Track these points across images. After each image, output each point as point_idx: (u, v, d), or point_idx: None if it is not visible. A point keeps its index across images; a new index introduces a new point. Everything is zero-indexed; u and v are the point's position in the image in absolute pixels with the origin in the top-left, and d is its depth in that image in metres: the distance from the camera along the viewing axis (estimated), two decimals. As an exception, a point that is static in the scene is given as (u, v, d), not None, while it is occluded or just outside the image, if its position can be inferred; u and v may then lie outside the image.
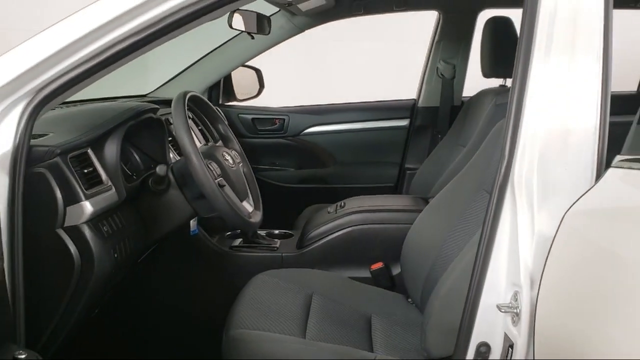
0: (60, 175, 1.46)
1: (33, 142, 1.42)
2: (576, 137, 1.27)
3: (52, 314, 1.50)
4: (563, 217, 1.20)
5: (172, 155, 2.13)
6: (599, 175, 1.26)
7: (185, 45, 1.93)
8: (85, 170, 1.56)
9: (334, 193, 2.95)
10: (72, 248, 1.48)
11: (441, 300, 1.55)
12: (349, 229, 2.34)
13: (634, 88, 3.17)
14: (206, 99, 2.21)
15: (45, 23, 1.39)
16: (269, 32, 2.66)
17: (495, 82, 2.74)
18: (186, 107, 1.85)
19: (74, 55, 1.36)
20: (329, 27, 3.05)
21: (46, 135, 1.56)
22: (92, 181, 1.57)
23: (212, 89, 3.12)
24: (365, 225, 2.35)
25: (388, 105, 3.34)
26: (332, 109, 3.33)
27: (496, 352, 1.33)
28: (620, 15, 2.74)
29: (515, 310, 1.26)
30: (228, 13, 2.38)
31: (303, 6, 2.70)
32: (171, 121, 2.23)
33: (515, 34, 1.30)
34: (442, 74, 3.17)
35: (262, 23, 2.58)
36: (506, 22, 2.56)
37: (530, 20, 1.28)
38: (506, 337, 1.31)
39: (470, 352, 1.34)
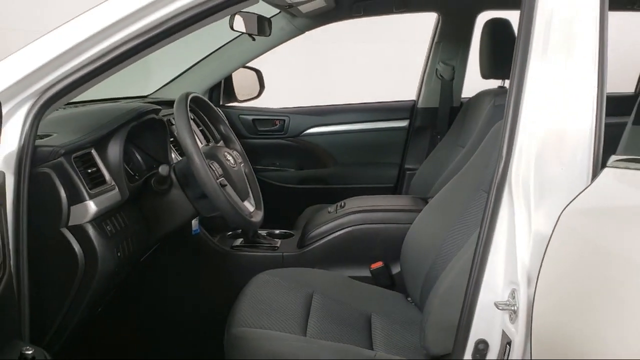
0: (64, 175, 1.48)
1: (38, 142, 1.44)
2: (572, 138, 1.29)
3: (56, 311, 1.52)
4: (559, 216, 1.22)
5: (174, 156, 2.14)
6: (594, 175, 1.27)
7: (186, 46, 1.95)
8: (89, 170, 1.58)
9: (334, 193, 2.95)
10: (76, 247, 1.49)
11: (440, 298, 1.56)
12: (349, 228, 2.36)
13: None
14: (208, 100, 2.23)
15: (45, 23, 1.41)
16: (270, 34, 2.68)
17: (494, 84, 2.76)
18: (188, 108, 1.87)
19: (78, 57, 1.39)
20: (329, 29, 3.06)
21: (50, 135, 1.58)
22: (95, 181, 1.58)
23: (213, 90, 3.13)
24: (365, 225, 2.36)
25: (388, 106, 3.35)
26: (332, 110, 3.34)
27: (494, 349, 1.34)
28: (621, 17, 2.78)
29: (512, 308, 1.27)
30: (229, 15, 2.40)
31: (303, 8, 2.70)
32: (173, 122, 2.26)
33: (514, 36, 1.32)
34: (441, 75, 3.18)
35: (262, 25, 2.59)
36: (505, 24, 2.58)
37: (527, 23, 1.30)
38: (504, 335, 1.32)
39: (469, 349, 1.36)
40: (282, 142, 3.27)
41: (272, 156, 3.27)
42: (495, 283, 1.32)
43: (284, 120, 3.26)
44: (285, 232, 2.64)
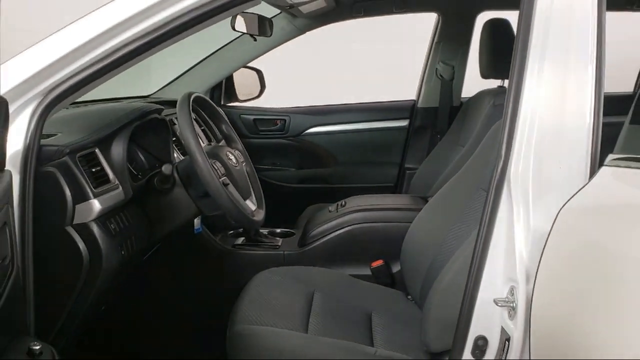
0: (69, 174, 1.49)
1: (43, 141, 1.45)
2: (570, 137, 1.30)
3: (61, 309, 1.53)
4: (558, 214, 1.23)
5: (176, 155, 2.16)
6: (592, 174, 1.29)
7: (187, 46, 1.96)
8: (93, 170, 1.59)
9: (334, 193, 2.96)
10: (81, 245, 1.51)
11: (440, 295, 1.57)
12: (350, 227, 2.37)
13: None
14: (210, 100, 2.25)
15: (46, 23, 1.42)
16: (271, 34, 2.69)
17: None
18: (191, 108, 1.89)
19: (83, 57, 1.40)
20: (329, 29, 3.07)
21: (55, 135, 1.59)
22: (99, 180, 1.60)
23: (214, 90, 3.14)
24: (366, 223, 2.38)
25: (388, 106, 3.36)
26: (333, 109, 3.35)
27: (493, 345, 1.36)
28: (622, 16, 2.79)
29: (511, 305, 1.29)
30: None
31: (304, 8, 2.72)
32: (175, 121, 2.27)
33: (513, 36, 1.33)
34: (441, 75, 3.19)
35: (263, 25, 2.61)
36: (504, 24, 2.59)
37: (526, 23, 1.31)
38: (503, 331, 1.33)
39: (468, 346, 1.37)
40: (283, 141, 3.28)
41: (273, 156, 3.28)
42: (494, 280, 1.34)
43: (285, 120, 3.27)
44: (286, 231, 2.65)
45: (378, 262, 2.31)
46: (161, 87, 3.09)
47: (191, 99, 1.92)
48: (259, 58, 3.09)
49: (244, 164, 2.14)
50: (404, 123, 3.29)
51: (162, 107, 2.12)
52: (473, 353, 1.38)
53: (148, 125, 1.92)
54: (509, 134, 1.31)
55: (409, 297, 2.04)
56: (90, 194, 1.53)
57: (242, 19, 2.48)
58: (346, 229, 2.37)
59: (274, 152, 3.28)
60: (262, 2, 1.55)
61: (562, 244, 1.22)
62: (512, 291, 1.30)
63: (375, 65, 4.62)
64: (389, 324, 1.83)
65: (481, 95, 2.78)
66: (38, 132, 1.39)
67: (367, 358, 1.60)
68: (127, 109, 1.91)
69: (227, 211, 1.86)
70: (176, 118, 2.24)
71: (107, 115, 1.82)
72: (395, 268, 2.29)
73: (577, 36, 1.31)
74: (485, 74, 2.67)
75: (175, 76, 3.11)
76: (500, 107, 1.37)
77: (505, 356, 1.32)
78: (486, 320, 1.36)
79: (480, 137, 1.98)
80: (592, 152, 1.30)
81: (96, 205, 1.54)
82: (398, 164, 3.29)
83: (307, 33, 3.05)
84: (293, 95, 3.49)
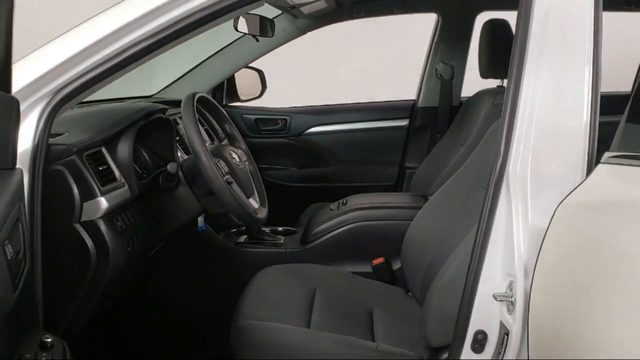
0: (77, 172, 1.52)
1: (51, 140, 1.47)
2: (568, 135, 1.32)
3: (69, 304, 1.56)
4: (555, 211, 1.25)
5: (180, 154, 2.18)
6: (589, 171, 1.31)
7: (188, 47, 1.99)
8: (100, 168, 1.62)
9: (335, 192, 2.95)
10: (89, 242, 1.53)
11: (440, 291, 1.59)
12: (351, 225, 2.39)
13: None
14: (214, 100, 2.27)
15: (54, 24, 1.44)
16: (273, 35, 2.71)
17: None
18: (195, 108, 1.91)
19: (90, 58, 1.42)
20: (330, 29, 3.09)
21: (62, 134, 1.61)
22: (106, 178, 1.62)
23: (216, 90, 3.15)
24: (367, 221, 2.40)
25: (388, 105, 3.37)
26: (334, 109, 3.36)
27: (492, 339, 1.38)
28: (623, 16, 2.80)
29: (510, 299, 1.30)
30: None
31: (305, 9, 2.73)
32: (179, 121, 2.30)
33: (512, 36, 1.36)
34: (441, 75, 3.20)
35: (265, 26, 2.63)
36: (503, 24, 2.61)
37: (524, 23, 1.33)
38: (502, 325, 1.35)
39: (468, 340, 1.39)
40: (284, 141, 3.29)
41: (275, 155, 3.29)
42: (493, 275, 1.36)
43: (286, 120, 3.28)
44: (288, 229, 2.67)
45: (379, 260, 2.33)
46: (164, 87, 3.10)
47: (195, 99, 1.94)
48: (259, 58, 3.10)
49: (247, 163, 2.16)
50: (404, 122, 3.30)
51: (167, 106, 2.15)
52: (473, 347, 1.39)
53: (152, 124, 1.95)
54: (507, 133, 1.33)
55: (410, 293, 2.06)
56: (98, 192, 1.55)
57: (245, 20, 2.50)
58: (347, 227, 2.39)
59: (275, 151, 3.29)
60: (264, 3, 1.57)
61: (559, 239, 1.24)
62: (510, 286, 1.31)
63: (375, 65, 4.64)
64: (389, 320, 1.85)
65: (480, 94, 2.79)
66: (47, 131, 1.41)
67: (368, 352, 1.62)
68: (132, 108, 1.94)
69: (231, 209, 1.89)
70: (180, 117, 2.27)
71: (113, 115, 1.84)
72: (396, 265, 2.31)
73: (574, 36, 1.32)
74: (484, 74, 2.68)
75: (177, 76, 3.12)
76: (500, 106, 1.39)
77: (504, 350, 1.34)
78: (485, 315, 1.37)
79: (480, 136, 1.99)
80: (589, 150, 1.32)
81: (103, 203, 1.56)
82: (398, 163, 3.30)
83: (308, 33, 3.07)
84: (294, 95, 3.51)
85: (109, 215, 1.59)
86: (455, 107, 3.18)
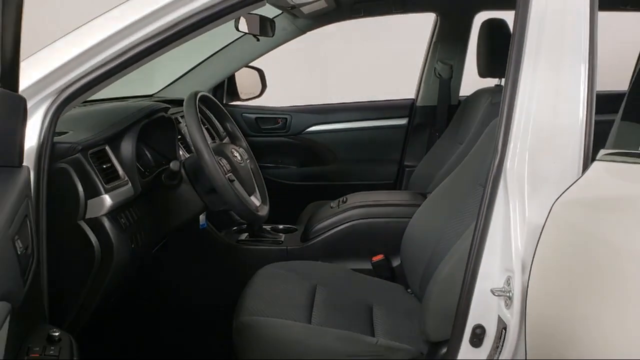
0: (81, 170, 1.53)
1: (56, 139, 1.49)
2: (564, 133, 1.34)
3: (74, 299, 1.57)
4: (552, 207, 1.27)
5: (182, 153, 2.20)
6: (585, 168, 1.33)
7: (188, 46, 2.01)
8: (104, 166, 1.64)
9: (335, 190, 2.95)
10: (93, 238, 1.55)
11: (439, 287, 1.60)
12: (351, 223, 2.41)
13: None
14: (215, 99, 2.29)
15: (59, 24, 1.46)
16: (273, 35, 2.73)
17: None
18: (197, 107, 1.93)
19: (95, 57, 1.43)
20: (329, 29, 3.11)
21: (66, 133, 1.63)
22: (109, 176, 1.64)
23: (217, 89, 3.17)
24: (367, 219, 2.42)
25: (387, 104, 3.38)
26: (333, 108, 3.37)
27: (491, 333, 1.39)
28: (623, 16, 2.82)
29: (508, 294, 1.32)
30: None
31: (305, 9, 2.74)
32: (180, 120, 2.32)
33: (510, 36, 1.38)
34: (439, 74, 3.22)
35: (265, 26, 2.65)
36: (501, 24, 2.61)
37: (521, 24, 1.35)
38: (500, 320, 1.37)
39: (467, 335, 1.41)
40: (284, 140, 3.31)
41: (275, 154, 3.31)
42: (491, 271, 1.37)
43: (286, 119, 3.30)
44: (289, 227, 2.69)
45: (378, 257, 2.35)
46: (164, 86, 3.11)
47: (198, 98, 1.96)
48: (259, 58, 3.11)
49: (248, 161, 2.18)
50: (403, 121, 3.31)
51: (169, 105, 2.16)
52: (471, 342, 1.41)
53: (155, 123, 1.96)
54: (505, 131, 1.35)
55: (409, 290, 2.07)
56: (102, 190, 1.57)
57: (245, 19, 2.51)
58: (347, 224, 2.41)
59: (275, 150, 3.31)
60: (266, 3, 1.59)
61: (556, 235, 1.25)
62: (508, 281, 1.33)
63: (375, 64, 4.65)
64: (389, 315, 1.86)
65: (479, 93, 2.81)
66: (52, 129, 1.42)
67: (368, 347, 1.64)
68: (135, 107, 1.96)
69: (232, 206, 1.91)
70: (181, 116, 2.29)
71: (116, 114, 1.86)
72: (395, 262, 2.33)
73: (571, 36, 1.34)
74: (483, 73, 2.69)
75: (177, 76, 3.13)
76: (498, 105, 1.41)
77: (502, 344, 1.35)
78: (484, 309, 1.39)
79: (478, 135, 2.01)
80: (584, 147, 1.34)
81: (107, 200, 1.58)
82: (397, 162, 3.31)
83: (308, 33, 3.08)
84: (294, 94, 3.53)
85: (113, 213, 1.61)
86: (454, 106, 3.19)
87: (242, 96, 3.25)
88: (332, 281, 2.05)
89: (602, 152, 1.33)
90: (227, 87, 3.23)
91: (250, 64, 3.16)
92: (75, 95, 1.45)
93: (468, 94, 3.00)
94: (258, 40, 2.78)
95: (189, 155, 2.18)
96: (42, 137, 1.41)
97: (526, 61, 1.35)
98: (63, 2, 3.75)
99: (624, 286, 1.07)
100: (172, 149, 2.06)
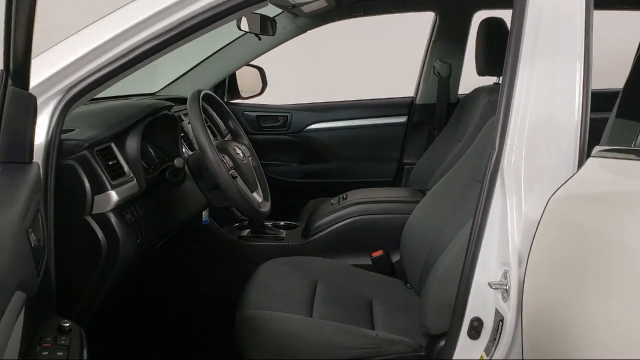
0: (88, 167, 1.56)
1: (63, 136, 1.52)
2: (560, 130, 1.37)
3: (81, 293, 1.60)
4: (548, 202, 1.30)
5: (185, 150, 2.22)
6: (580, 164, 1.35)
7: (190, 45, 2.03)
8: (110, 163, 1.66)
9: (335, 187, 2.96)
10: (100, 233, 1.57)
11: (438, 281, 1.63)
12: (351, 219, 2.43)
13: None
14: (218, 97, 2.32)
15: (66, 23, 1.48)
16: (274, 34, 2.75)
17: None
18: (201, 105, 1.96)
19: (101, 56, 1.46)
20: (329, 28, 3.12)
21: (73, 130, 1.65)
22: (115, 173, 1.66)
23: (218, 88, 3.18)
24: (367, 215, 2.43)
25: (387, 102, 3.40)
26: (333, 106, 3.39)
27: (488, 326, 1.42)
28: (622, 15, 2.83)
29: (505, 287, 1.35)
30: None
31: (306, 8, 2.77)
32: (183, 117, 2.35)
33: (508, 34, 1.41)
34: (438, 73, 3.23)
35: (266, 25, 2.67)
36: (499, 22, 2.62)
37: (518, 23, 1.38)
38: (497, 312, 1.40)
39: (465, 327, 1.44)
40: (285, 137, 3.32)
41: (276, 151, 3.32)
42: (488, 265, 1.40)
43: (287, 117, 3.31)
44: (290, 224, 2.70)
45: (378, 252, 2.36)
46: (166, 84, 3.12)
47: (201, 96, 1.99)
48: (260, 56, 3.13)
49: (250, 158, 2.20)
50: (402, 119, 3.33)
51: (172, 103, 2.19)
52: (469, 334, 1.44)
53: (159, 121, 1.99)
54: (502, 128, 1.38)
55: (408, 285, 2.10)
56: (108, 186, 1.60)
57: (247, 19, 2.53)
58: (348, 220, 2.43)
59: (276, 148, 3.32)
60: (268, 3, 1.62)
61: (552, 229, 1.28)
62: (505, 275, 1.36)
63: (375, 62, 4.67)
64: (389, 309, 1.88)
65: (477, 92, 2.83)
66: (59, 127, 1.45)
67: (368, 340, 1.66)
68: (139, 105, 1.98)
69: (235, 202, 1.93)
70: (184, 114, 2.32)
71: (121, 112, 1.88)
72: (395, 258, 2.34)
73: (567, 35, 1.37)
74: (481, 71, 2.71)
75: (179, 74, 3.14)
76: (496, 103, 1.44)
77: (499, 336, 1.38)
78: (481, 302, 1.42)
79: (476, 132, 2.03)
80: (580, 144, 1.36)
81: (113, 196, 1.61)
82: (397, 159, 3.33)
83: (308, 32, 3.10)
84: (294, 92, 3.55)
85: (119, 208, 1.64)
86: (453, 104, 3.21)
87: (243, 94, 3.26)
88: (333, 276, 2.07)
89: (596, 148, 1.35)
90: (228, 86, 3.24)
91: (251, 63, 3.18)
92: (82, 93, 1.48)
93: (467, 92, 3.02)
94: (260, 39, 2.80)
95: (192, 153, 2.20)
96: (50, 134, 1.43)
97: (523, 60, 1.38)
98: (70, 1, 3.76)
99: (617, 278, 1.09)
100: (175, 147, 2.09)
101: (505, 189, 1.38)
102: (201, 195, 2.01)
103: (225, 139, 2.37)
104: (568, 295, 1.20)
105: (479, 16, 2.92)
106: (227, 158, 2.02)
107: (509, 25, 1.44)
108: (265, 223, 2.60)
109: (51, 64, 1.44)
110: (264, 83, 3.26)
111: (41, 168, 1.40)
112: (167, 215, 1.96)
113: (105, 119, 1.80)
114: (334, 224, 2.44)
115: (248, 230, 2.59)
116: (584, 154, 1.37)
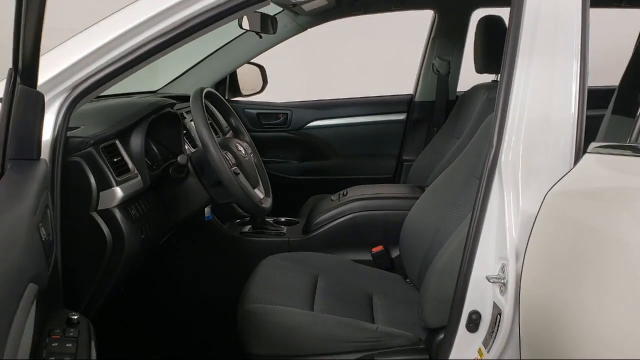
0: (94, 163, 1.58)
1: (69, 133, 1.53)
2: (557, 127, 1.39)
3: (87, 288, 1.62)
4: (544, 197, 1.33)
5: (187, 147, 2.24)
6: (576, 160, 1.38)
7: (190, 43, 2.05)
8: (115, 160, 1.68)
9: (335, 184, 2.98)
10: (105, 229, 1.59)
11: (437, 275, 1.65)
12: (352, 215, 2.45)
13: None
14: (220, 95, 2.34)
15: (71, 22, 1.50)
16: (275, 32, 2.77)
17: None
18: (204, 102, 1.98)
19: (106, 55, 1.48)
20: (330, 26, 3.14)
21: (78, 127, 1.67)
22: (120, 169, 1.68)
23: (219, 85, 3.20)
24: (367, 211, 2.45)
25: (386, 100, 3.42)
26: (333, 103, 3.41)
27: (486, 319, 1.45)
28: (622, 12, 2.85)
29: (502, 281, 1.37)
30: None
31: (306, 6, 2.79)
32: (185, 115, 2.37)
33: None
34: (437, 70, 3.25)
35: (267, 23, 2.69)
36: (498, 20, 2.64)
37: (516, 21, 1.40)
38: (495, 306, 1.42)
39: (463, 320, 1.46)
40: (285, 135, 3.34)
41: (276, 149, 3.34)
42: (486, 259, 1.42)
43: (287, 114, 3.33)
44: (291, 220, 2.73)
45: (378, 248, 2.39)
46: (168, 82, 3.14)
47: (203, 94, 2.01)
48: (260, 54, 3.15)
49: (252, 155, 2.22)
50: (401, 116, 3.35)
51: (175, 101, 2.21)
52: (467, 327, 1.46)
53: (162, 118, 2.00)
54: (500, 125, 1.40)
55: (407, 280, 2.12)
56: (113, 182, 1.62)
57: (248, 17, 2.55)
58: (348, 216, 2.45)
59: (276, 145, 3.34)
60: (270, 2, 1.63)
61: (548, 224, 1.31)
62: (503, 269, 1.38)
63: (374, 60, 4.68)
64: (388, 304, 1.90)
65: (476, 89, 2.85)
66: (65, 124, 1.47)
67: (369, 333, 1.69)
68: (143, 103, 2.00)
69: (238, 199, 1.95)
70: (186, 112, 2.34)
71: (125, 110, 1.90)
72: (395, 253, 2.36)
73: (563, 33, 1.39)
74: (480, 69, 2.73)
75: (180, 72, 3.16)
76: (494, 100, 1.46)
77: (497, 329, 1.40)
78: (479, 296, 1.44)
79: (475, 129, 2.04)
80: (576, 140, 1.39)
81: (118, 192, 1.62)
82: (396, 156, 3.35)
83: (308, 30, 3.12)
84: (295, 89, 3.57)
85: (124, 204, 1.65)
86: (452, 101, 3.23)
87: (243, 92, 3.29)
88: (333, 271, 2.09)
89: (592, 144, 1.38)
90: (229, 84, 3.26)
91: (252, 61, 3.20)
92: (87, 91, 1.50)
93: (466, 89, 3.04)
94: (261, 37, 2.82)
95: (195, 150, 2.22)
96: (56, 132, 1.45)
97: (520, 58, 1.40)
98: (75, 1, 3.78)
99: (613, 272, 1.11)
100: (177, 144, 2.10)
101: (503, 184, 1.40)
102: (204, 191, 2.03)
103: (227, 136, 2.39)
104: (564, 291, 1.22)
105: (478, 14, 2.94)
106: (229, 155, 2.04)
107: (507, 23, 1.46)
108: (267, 219, 2.62)
109: (57, 62, 1.46)
110: (265, 81, 3.28)
111: (48, 165, 1.42)
112: (171, 211, 1.98)
113: (109, 117, 1.81)
114: (334, 220, 2.47)
115: (249, 226, 2.61)
116: (581, 151, 1.39)
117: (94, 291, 1.63)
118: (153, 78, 3.17)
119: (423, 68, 3.34)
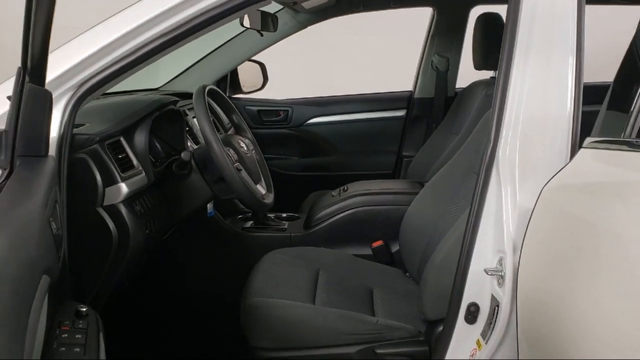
0: (99, 160, 1.61)
1: (74, 130, 1.56)
2: (553, 123, 1.41)
3: (93, 282, 1.65)
4: (541, 192, 1.34)
5: (189, 144, 2.26)
6: (572, 155, 1.40)
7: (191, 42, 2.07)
8: (120, 156, 1.71)
9: (335, 180, 3.00)
10: (111, 224, 1.62)
11: (436, 269, 1.67)
12: (352, 210, 2.47)
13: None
14: (222, 92, 2.36)
15: (77, 21, 1.52)
16: (276, 30, 2.79)
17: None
18: (206, 99, 2.01)
19: (112, 54, 1.50)
20: (330, 23, 3.15)
21: (83, 125, 1.70)
22: (125, 166, 1.71)
23: (220, 83, 3.21)
24: (367, 207, 2.48)
25: (386, 96, 3.43)
26: (333, 100, 3.42)
27: (484, 311, 1.47)
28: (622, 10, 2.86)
29: (500, 274, 1.40)
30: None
31: (307, 4, 2.80)
32: (188, 112, 2.40)
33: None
34: (436, 67, 3.26)
35: (267, 21, 2.71)
36: (496, 18, 2.66)
37: (513, 18, 1.42)
38: (493, 298, 1.45)
39: (462, 312, 1.49)
40: (286, 131, 3.36)
41: (277, 145, 3.35)
42: (485, 252, 1.45)
43: (288, 111, 3.35)
44: (292, 215, 2.75)
45: (378, 243, 2.41)
46: (169, 79, 3.15)
47: (206, 91, 2.04)
48: (261, 52, 3.16)
49: (253, 152, 2.25)
50: (401, 113, 3.37)
51: (178, 98, 2.23)
52: (466, 319, 1.49)
53: (165, 116, 2.03)
54: (497, 121, 1.42)
55: (407, 274, 2.14)
56: (118, 178, 1.64)
57: (249, 16, 2.57)
58: (348, 212, 2.47)
59: (277, 141, 3.35)
60: (271, 1, 1.66)
61: (545, 218, 1.32)
62: (500, 261, 1.41)
63: (374, 57, 4.69)
64: (388, 297, 1.93)
65: (474, 85, 2.87)
66: (71, 121, 1.49)
67: (369, 326, 1.72)
68: (146, 101, 2.03)
69: (240, 194, 1.98)
70: (189, 109, 2.37)
71: (129, 107, 1.93)
72: (394, 248, 2.39)
73: (560, 30, 1.41)
74: (478, 66, 2.75)
75: (181, 70, 3.16)
76: (492, 96, 1.48)
77: (495, 320, 1.43)
78: (477, 288, 1.46)
79: (473, 126, 2.07)
80: (572, 136, 1.41)
81: (124, 188, 1.65)
82: (396, 152, 3.37)
83: (309, 27, 3.13)
84: (296, 86, 3.59)
85: (129, 200, 1.68)
86: (450, 97, 3.24)
87: (244, 89, 3.29)
88: (334, 265, 2.11)
89: (588, 139, 1.39)
90: (230, 81, 3.27)
91: (252, 58, 3.20)
92: (93, 89, 1.52)
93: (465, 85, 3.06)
94: (262, 35, 2.83)
95: (198, 146, 2.25)
96: (62, 129, 1.47)
97: (517, 54, 1.42)
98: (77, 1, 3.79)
99: (608, 265, 1.13)
100: (180, 140, 2.13)
101: (500, 179, 1.42)
102: (206, 187, 2.06)
103: (229, 132, 2.41)
104: (560, 281, 1.23)
105: (476, 11, 2.95)
106: (231, 151, 2.06)
107: (504, 20, 1.48)
108: (268, 215, 2.65)
109: (63, 61, 1.48)
110: (265, 78, 3.29)
111: (54, 162, 1.45)
112: (174, 207, 2.01)
113: (114, 114, 1.84)
114: (334, 216, 2.49)
115: (251, 222, 2.64)
116: (577, 146, 1.40)
117: (100, 285, 1.66)
118: (154, 76, 3.18)
119: (422, 65, 3.36)
